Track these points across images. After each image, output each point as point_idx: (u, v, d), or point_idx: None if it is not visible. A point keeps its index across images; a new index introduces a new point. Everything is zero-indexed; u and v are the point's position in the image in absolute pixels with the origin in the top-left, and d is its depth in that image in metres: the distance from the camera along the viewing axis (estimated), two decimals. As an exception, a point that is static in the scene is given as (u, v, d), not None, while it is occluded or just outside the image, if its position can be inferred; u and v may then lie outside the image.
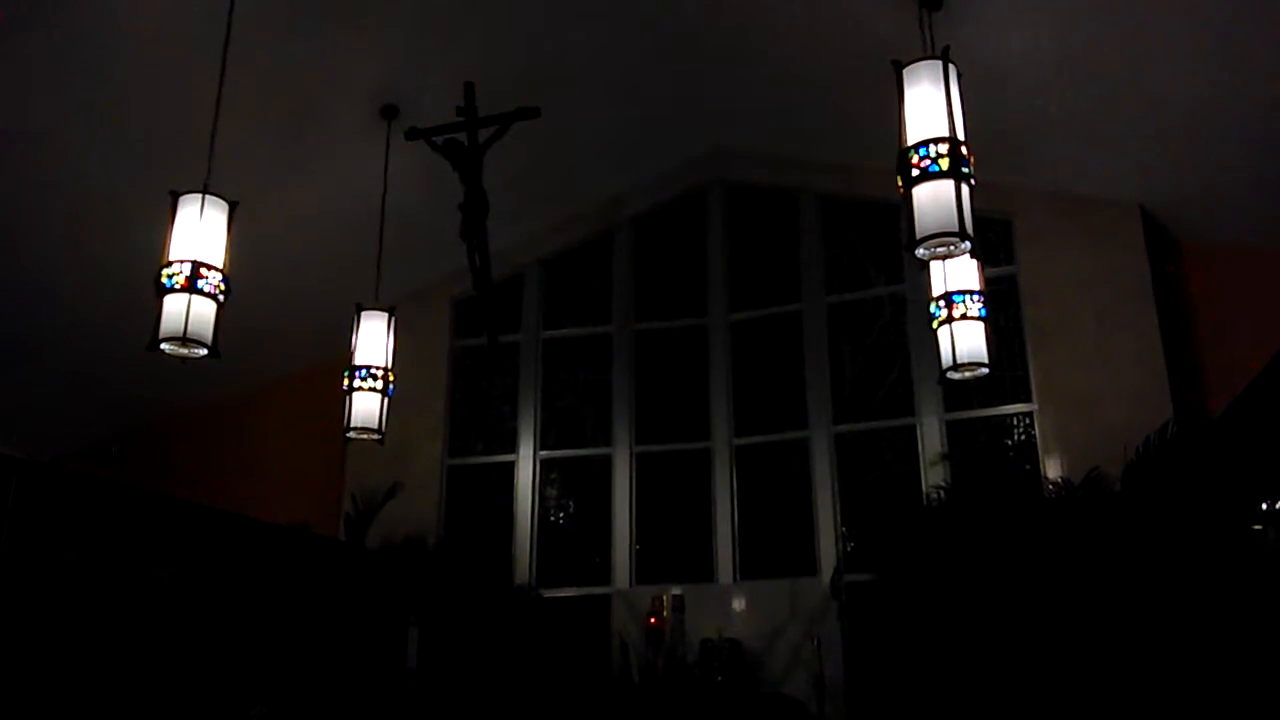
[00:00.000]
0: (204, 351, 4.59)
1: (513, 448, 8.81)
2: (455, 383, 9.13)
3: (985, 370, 5.57)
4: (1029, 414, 7.53)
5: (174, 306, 4.51)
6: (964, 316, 5.50)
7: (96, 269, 7.35)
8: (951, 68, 4.33)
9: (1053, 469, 7.11)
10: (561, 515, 8.72)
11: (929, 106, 4.26)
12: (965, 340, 5.49)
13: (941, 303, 5.57)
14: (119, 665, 5.44)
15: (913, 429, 7.83)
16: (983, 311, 5.55)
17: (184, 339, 4.49)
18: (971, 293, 5.55)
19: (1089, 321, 7.41)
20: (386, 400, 6.36)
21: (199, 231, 4.61)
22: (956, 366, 5.50)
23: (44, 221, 6.93)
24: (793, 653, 7.37)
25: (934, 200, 4.11)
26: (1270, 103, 6.05)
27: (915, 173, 4.16)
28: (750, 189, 8.96)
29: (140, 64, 6.10)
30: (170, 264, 4.56)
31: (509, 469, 8.76)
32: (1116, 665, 5.54)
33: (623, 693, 7.19)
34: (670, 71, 7.42)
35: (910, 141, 4.23)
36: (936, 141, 4.17)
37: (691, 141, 8.69)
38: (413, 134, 6.47)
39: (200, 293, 4.53)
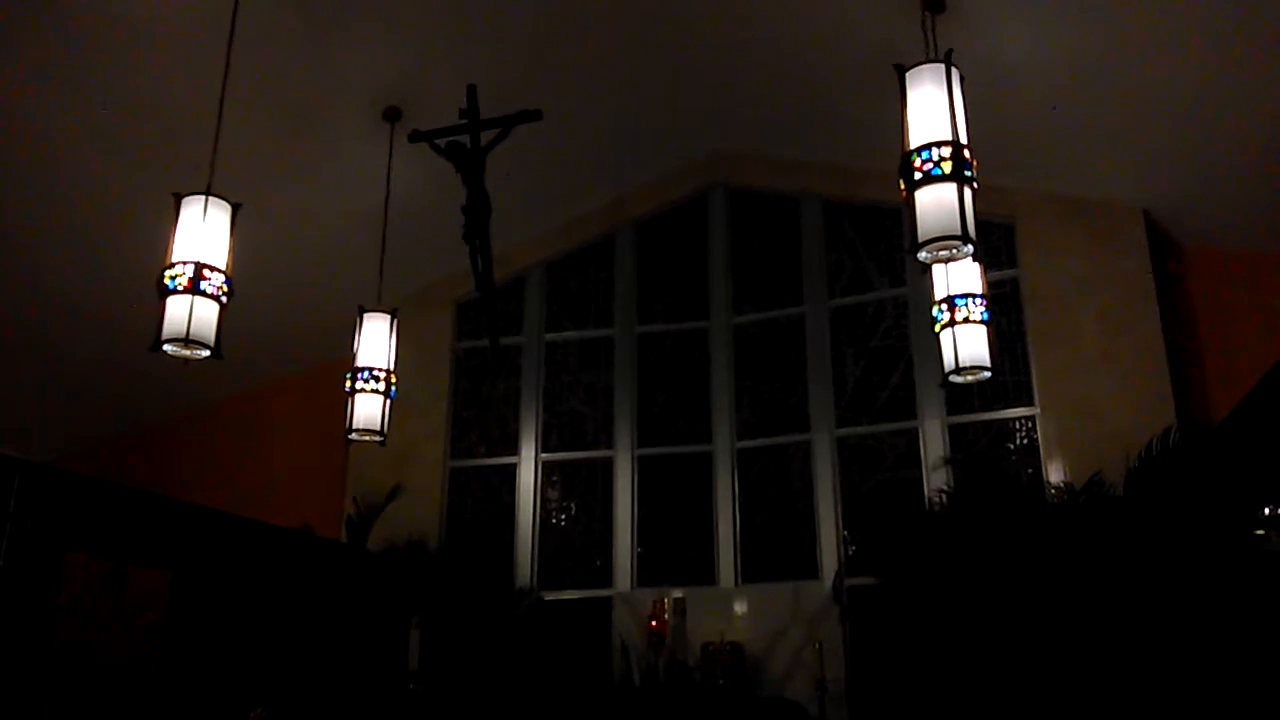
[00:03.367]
0: (206, 353, 4.60)
1: (514, 450, 8.80)
2: (457, 385, 9.12)
3: (987, 374, 5.56)
4: (1031, 418, 7.51)
5: (177, 308, 4.51)
6: (966, 320, 5.50)
7: (100, 270, 7.36)
8: (954, 71, 4.33)
9: (1055, 473, 7.11)
10: (563, 518, 8.71)
11: (932, 109, 4.26)
12: (967, 344, 5.49)
13: (944, 306, 5.57)
14: (119, 666, 5.44)
15: (915, 432, 7.83)
16: (985, 315, 5.54)
17: (187, 340, 4.49)
18: (974, 296, 5.55)
19: (1091, 325, 7.40)
20: (389, 402, 6.36)
21: (202, 233, 4.61)
22: (959, 370, 5.50)
23: (48, 223, 6.94)
24: (794, 656, 7.36)
25: (936, 203, 4.11)
26: (1274, 105, 6.04)
27: (918, 176, 4.15)
28: (752, 192, 8.95)
29: (143, 65, 6.11)
30: (173, 265, 4.56)
31: (511, 471, 8.75)
32: (1119, 670, 5.53)
33: (623, 696, 7.18)
34: (672, 74, 7.42)
35: (913, 145, 4.22)
36: (939, 145, 4.17)
37: (693, 145, 8.70)
38: (415, 136, 6.49)
39: (203, 294, 4.53)
